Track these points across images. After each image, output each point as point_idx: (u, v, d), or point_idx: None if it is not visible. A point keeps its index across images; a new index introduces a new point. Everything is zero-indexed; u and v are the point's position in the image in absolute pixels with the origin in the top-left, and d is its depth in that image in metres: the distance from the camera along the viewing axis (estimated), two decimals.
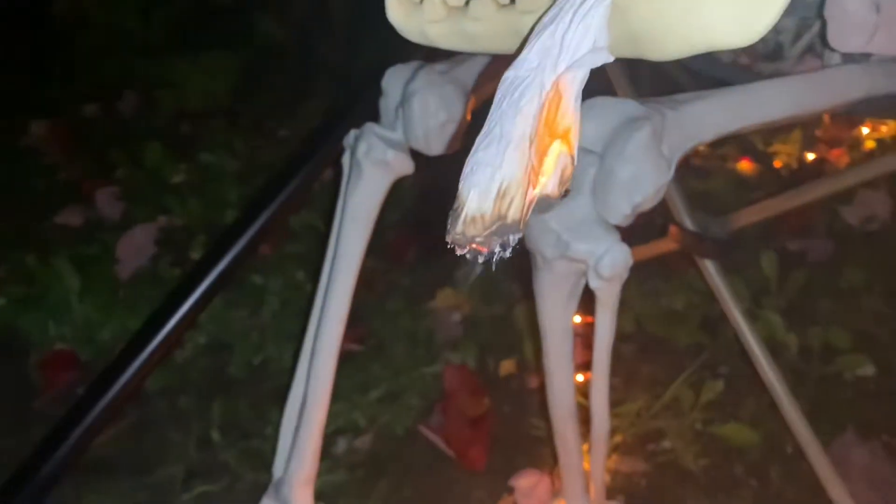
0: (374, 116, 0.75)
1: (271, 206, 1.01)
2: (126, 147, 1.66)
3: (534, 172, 0.29)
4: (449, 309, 1.22)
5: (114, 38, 2.02)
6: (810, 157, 1.58)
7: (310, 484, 0.81)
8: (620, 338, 1.09)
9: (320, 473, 0.82)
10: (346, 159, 0.74)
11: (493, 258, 0.29)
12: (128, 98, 1.92)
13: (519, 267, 1.28)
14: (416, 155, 0.73)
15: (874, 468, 0.94)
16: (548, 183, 0.30)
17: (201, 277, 0.98)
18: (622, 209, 0.52)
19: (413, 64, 0.73)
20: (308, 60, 2.02)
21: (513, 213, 0.29)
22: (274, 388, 1.13)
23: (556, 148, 0.29)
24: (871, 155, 1.57)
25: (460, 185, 0.30)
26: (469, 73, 0.73)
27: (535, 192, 0.29)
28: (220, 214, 1.44)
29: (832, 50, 0.72)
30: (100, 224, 1.45)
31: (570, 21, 0.31)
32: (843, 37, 0.63)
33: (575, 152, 0.30)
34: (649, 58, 0.33)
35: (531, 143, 0.29)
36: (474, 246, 0.29)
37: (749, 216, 0.92)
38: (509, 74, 0.31)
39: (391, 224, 1.38)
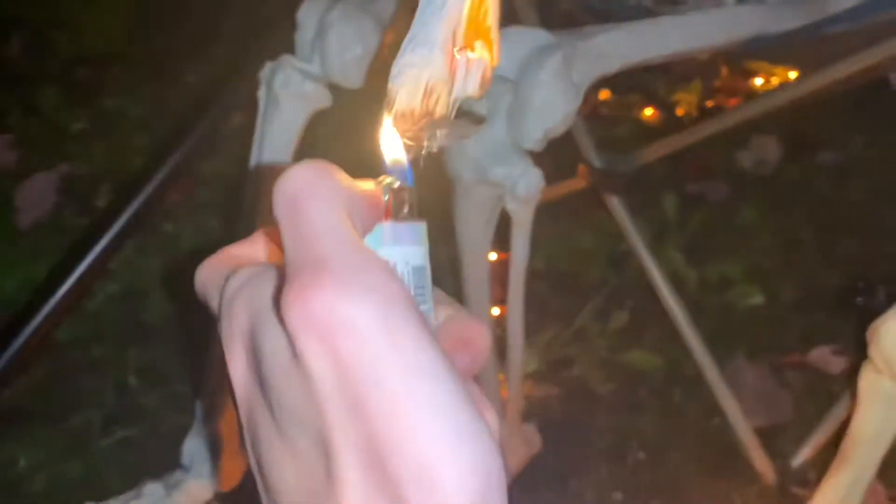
0: (276, 56, 0.74)
1: (179, 151, 1.00)
2: (17, 93, 1.57)
3: (456, 72, 0.30)
4: None
5: None
6: (710, 105, 1.67)
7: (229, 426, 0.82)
8: (532, 275, 1.13)
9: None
10: (262, 93, 0.74)
11: (420, 153, 0.31)
12: (16, 41, 1.81)
13: (434, 211, 1.31)
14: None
15: (762, 387, 1.03)
16: (468, 83, 0.32)
17: (109, 224, 0.96)
18: (535, 134, 0.55)
19: None
20: (212, 1, 1.95)
21: (440, 110, 0.30)
22: (191, 336, 1.12)
23: (478, 50, 0.31)
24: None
25: (389, 86, 0.31)
26: (385, 7, 0.74)
27: (457, 92, 0.31)
28: (125, 161, 1.39)
29: None
30: None
31: None
32: None
33: (495, 54, 0.32)
34: None
35: (454, 45, 0.31)
36: (405, 139, 0.31)
37: (651, 153, 0.97)
38: None
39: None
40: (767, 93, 1.57)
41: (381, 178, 0.27)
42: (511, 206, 0.56)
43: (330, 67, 0.70)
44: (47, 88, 1.55)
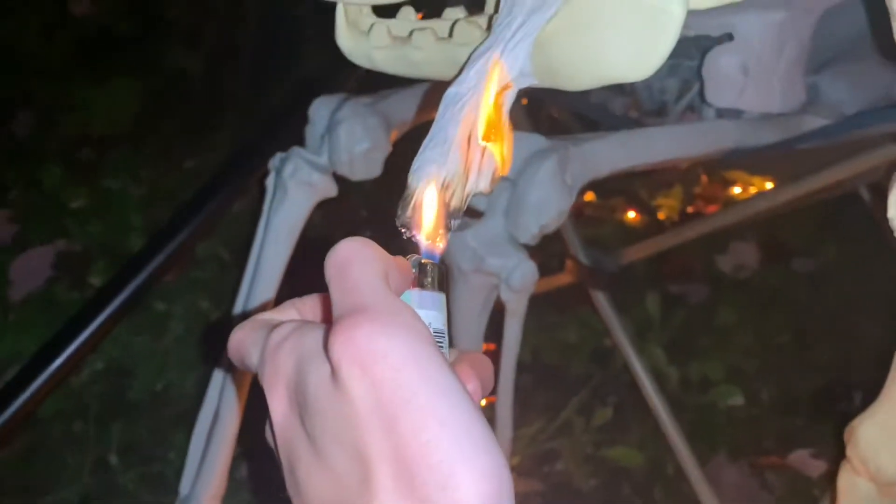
0: (284, 148, 0.79)
1: (181, 234, 1.03)
2: (20, 169, 1.61)
3: (470, 170, 0.34)
4: None
5: (13, 57, 1.96)
6: (690, 210, 1.74)
7: (216, 502, 0.81)
8: (518, 367, 1.16)
9: (224, 496, 0.83)
10: (270, 180, 0.78)
11: (439, 237, 0.34)
12: (22, 119, 1.86)
13: None
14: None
15: (742, 485, 1.04)
16: (480, 180, 0.35)
17: (104, 303, 0.97)
18: (531, 229, 0.59)
19: (339, 96, 0.78)
20: (215, 91, 2.03)
21: (454, 202, 0.34)
22: (176, 414, 1.12)
23: (490, 152, 0.35)
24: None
25: (409, 178, 0.35)
26: (392, 107, 0.79)
27: (470, 187, 0.35)
28: (121, 239, 1.42)
29: (709, 107, 0.83)
30: None
31: (503, 51, 0.37)
32: (717, 93, 0.73)
33: (507, 155, 0.35)
34: (564, 87, 0.40)
35: (469, 146, 0.35)
36: (413, 228, 0.34)
37: (636, 252, 1.01)
38: (452, 90, 0.37)
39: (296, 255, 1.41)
40: (745, 201, 1.65)
41: (410, 255, 0.30)
42: (506, 296, 0.59)
43: (337, 160, 0.74)
44: (50, 166, 1.59)
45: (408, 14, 0.46)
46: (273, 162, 0.78)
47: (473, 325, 0.64)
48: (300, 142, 0.80)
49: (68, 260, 1.36)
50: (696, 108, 0.85)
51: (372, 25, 0.44)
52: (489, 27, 0.42)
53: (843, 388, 1.15)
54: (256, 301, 0.77)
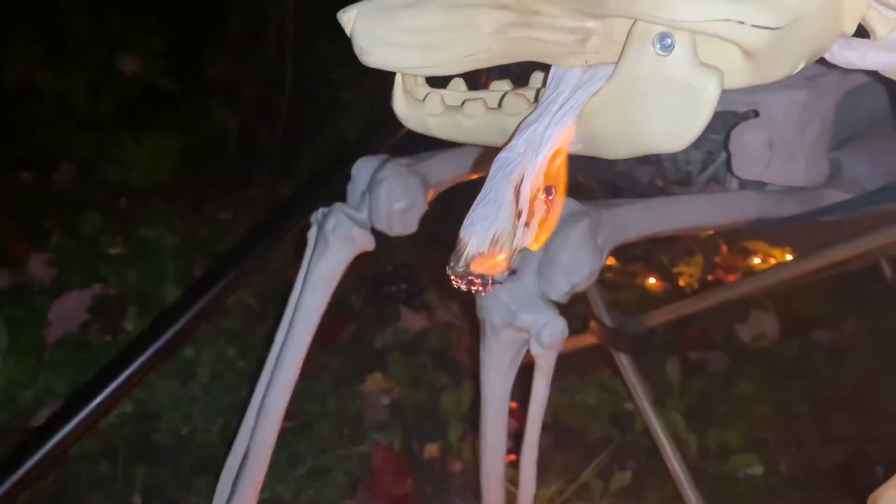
0: (320, 205, 0.83)
1: (218, 286, 1.06)
2: (62, 216, 1.67)
3: (518, 228, 0.38)
4: (378, 392, 1.27)
5: (60, 109, 2.06)
6: (710, 279, 1.76)
7: None
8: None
9: None
10: (312, 233, 0.82)
11: (484, 287, 0.37)
12: (64, 169, 1.94)
13: (446, 358, 1.36)
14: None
15: None
16: (527, 238, 0.39)
17: (139, 352, 1.00)
18: (562, 287, 0.62)
19: (380, 156, 0.83)
20: (250, 148, 2.11)
21: (503, 256, 0.37)
22: (200, 459, 1.14)
23: (538, 212, 0.39)
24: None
25: (462, 233, 0.38)
26: (430, 168, 0.83)
27: (518, 243, 0.38)
28: (155, 287, 1.46)
29: (732, 178, 0.87)
30: (28, 287, 1.44)
31: (549, 122, 0.41)
32: (744, 166, 0.77)
33: (555, 215, 0.39)
34: (604, 155, 0.43)
35: (518, 206, 0.38)
36: (470, 279, 0.37)
37: (658, 317, 1.04)
38: (503, 156, 0.40)
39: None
40: (766, 270, 1.67)
41: None
42: (535, 351, 0.62)
43: (377, 217, 0.78)
44: (90, 213, 1.65)
45: (458, 85, 0.50)
46: (316, 216, 0.82)
47: (502, 379, 0.67)
48: (334, 199, 0.84)
49: (104, 304, 1.40)
50: (719, 179, 0.89)
51: (427, 95, 0.49)
52: (536, 99, 0.46)
53: (865, 460, 1.14)
54: (294, 345, 0.80)
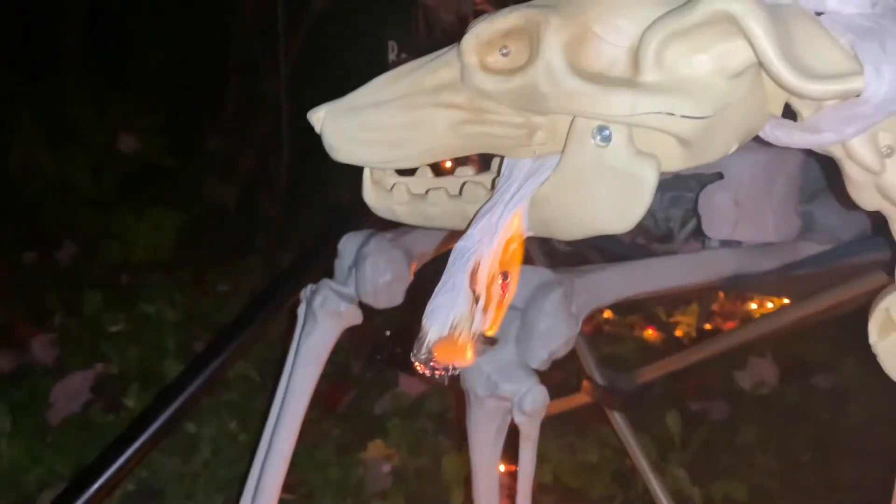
0: (315, 278, 0.85)
1: (218, 360, 1.07)
2: (64, 295, 1.70)
3: (484, 313, 0.40)
4: (379, 459, 1.28)
5: (62, 188, 2.11)
6: (708, 328, 1.77)
7: None
8: (539, 489, 1.17)
9: None
10: (301, 309, 0.84)
11: (446, 373, 0.40)
12: (67, 247, 1.98)
13: (446, 421, 1.37)
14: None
15: None
16: (485, 321, 0.41)
17: (142, 429, 1.01)
18: (541, 355, 0.64)
19: (365, 231, 0.86)
20: (248, 219, 2.15)
21: (462, 341, 0.39)
22: None
23: (494, 296, 0.41)
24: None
25: (423, 321, 0.41)
26: (412, 241, 0.86)
27: (475, 327, 0.40)
28: (156, 362, 1.48)
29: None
30: (31, 369, 1.46)
31: (503, 211, 0.44)
32: (713, 226, 0.79)
33: (509, 297, 0.41)
34: (558, 237, 0.46)
35: (475, 293, 0.41)
36: (433, 365, 0.39)
37: (653, 372, 1.05)
38: (460, 244, 0.43)
39: (324, 375, 1.45)
40: (760, 318, 1.68)
41: None
42: (519, 419, 0.64)
43: (363, 291, 0.81)
44: (91, 291, 1.68)
45: (425, 172, 0.53)
46: (304, 293, 0.84)
47: (490, 448, 0.68)
48: (328, 269, 0.86)
49: (106, 383, 1.42)
50: (700, 233, 0.91)
51: (394, 185, 0.52)
52: (493, 187, 0.49)
53: None
54: (287, 419, 0.81)
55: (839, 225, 0.91)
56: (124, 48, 2.27)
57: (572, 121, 0.43)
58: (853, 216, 0.92)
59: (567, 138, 0.43)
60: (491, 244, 0.42)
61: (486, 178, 0.49)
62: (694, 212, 0.90)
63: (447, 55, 0.47)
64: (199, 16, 2.16)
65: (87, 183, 2.15)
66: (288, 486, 1.23)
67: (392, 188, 0.52)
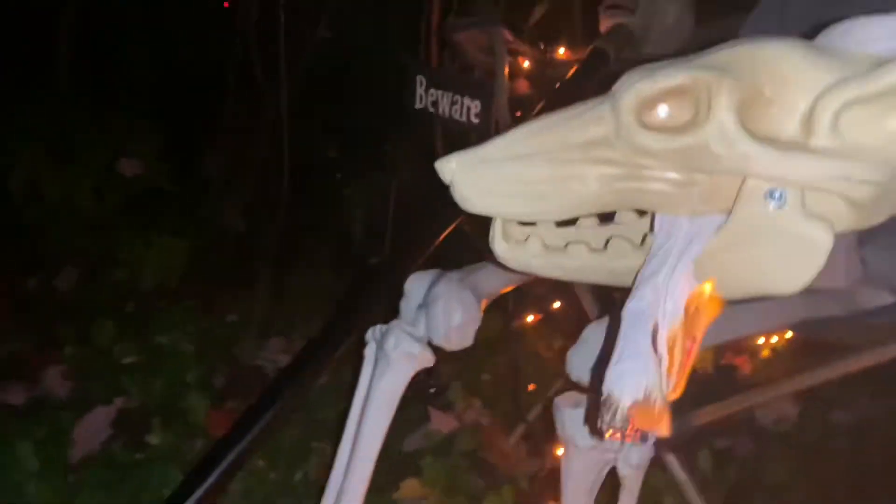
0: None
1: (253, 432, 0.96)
2: (73, 324, 1.65)
3: (668, 378, 0.39)
4: (414, 500, 1.25)
5: (65, 213, 2.06)
6: (723, 363, 1.78)
7: None
8: None
9: None
10: (369, 351, 0.83)
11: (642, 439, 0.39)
12: (70, 273, 1.93)
13: (479, 460, 1.35)
14: None
15: None
16: (669, 384, 0.40)
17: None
18: (439, 331, 0.72)
19: (432, 272, 0.85)
20: (251, 245, 2.12)
21: (657, 411, 0.39)
22: None
23: (679, 358, 0.40)
24: (768, 361, 1.78)
25: (609, 388, 0.40)
26: (480, 280, 0.85)
27: (669, 394, 0.40)
28: (179, 397, 1.44)
29: None
30: (46, 403, 1.42)
31: (672, 271, 0.44)
32: None
33: (694, 355, 0.41)
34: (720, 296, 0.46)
35: (660, 357, 0.40)
36: (621, 432, 0.39)
37: (708, 414, 1.04)
38: (633, 306, 0.42)
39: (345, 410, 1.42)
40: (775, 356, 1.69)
41: None
42: (624, 472, 0.63)
43: (436, 333, 0.80)
44: (103, 321, 1.63)
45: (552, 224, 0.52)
46: (373, 333, 0.83)
47: (584, 500, 0.67)
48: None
49: (127, 418, 1.38)
50: None
51: (528, 237, 0.51)
52: (643, 242, 0.48)
53: None
54: (361, 464, 0.79)
55: (890, 270, 0.93)
56: (124, 70, 2.24)
57: (743, 182, 0.43)
58: None
59: (737, 199, 0.43)
60: (665, 305, 0.42)
61: (635, 234, 0.49)
62: None
63: (597, 109, 0.46)
64: (199, 37, 2.14)
65: (89, 207, 2.11)
66: None
67: (526, 240, 0.51)
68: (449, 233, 1.05)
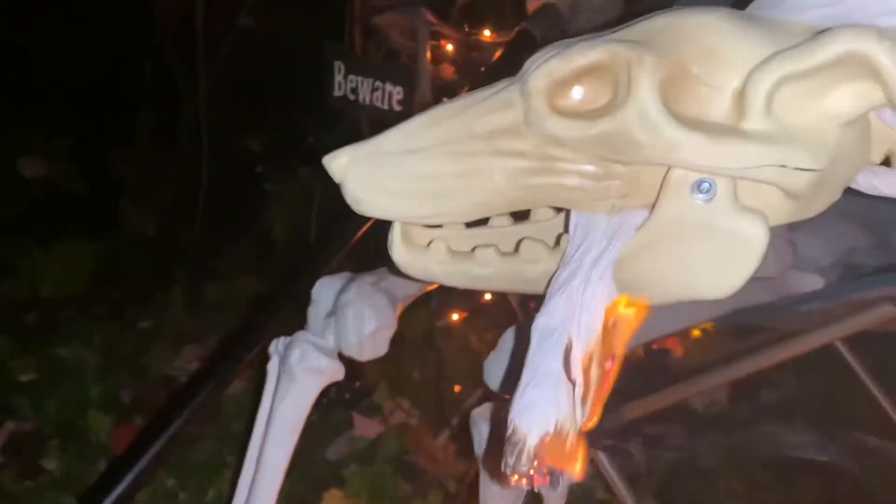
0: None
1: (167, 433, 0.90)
2: None
3: (583, 406, 0.33)
4: None
5: None
6: (654, 347, 1.76)
7: None
8: None
9: None
10: (272, 366, 0.75)
11: (554, 483, 0.33)
12: None
13: (405, 464, 1.28)
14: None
15: None
16: (585, 412, 0.34)
17: None
18: (350, 340, 0.66)
19: (343, 275, 0.78)
20: (166, 249, 2.00)
21: (569, 447, 0.33)
22: None
23: (595, 381, 0.34)
24: (698, 341, 1.78)
25: (513, 420, 0.34)
26: (396, 283, 0.78)
27: (584, 424, 0.34)
28: (78, 415, 1.33)
29: None
30: None
31: (587, 278, 0.38)
32: None
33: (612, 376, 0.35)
34: (644, 301, 0.40)
35: (574, 381, 0.34)
36: (534, 475, 0.32)
37: (639, 408, 1.00)
38: (542, 322, 0.36)
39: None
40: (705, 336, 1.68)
41: None
42: (545, 493, 0.57)
43: (346, 343, 0.73)
44: None
45: (460, 227, 0.46)
46: (276, 346, 0.75)
47: None
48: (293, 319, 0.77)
49: (19, 443, 1.26)
50: None
51: (431, 242, 0.44)
52: (557, 244, 0.42)
53: None
54: (262, 494, 0.72)
55: (819, 253, 0.90)
56: (27, 64, 2.07)
57: (667, 172, 0.37)
58: (832, 243, 0.91)
59: (660, 192, 0.38)
60: (581, 320, 0.36)
61: (549, 234, 0.43)
62: None
63: (503, 94, 0.40)
64: (111, 30, 1.99)
65: None
66: None
67: (429, 245, 0.44)
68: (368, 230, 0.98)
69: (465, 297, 1.36)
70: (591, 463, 1.04)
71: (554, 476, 0.32)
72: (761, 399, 1.59)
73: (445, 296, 1.30)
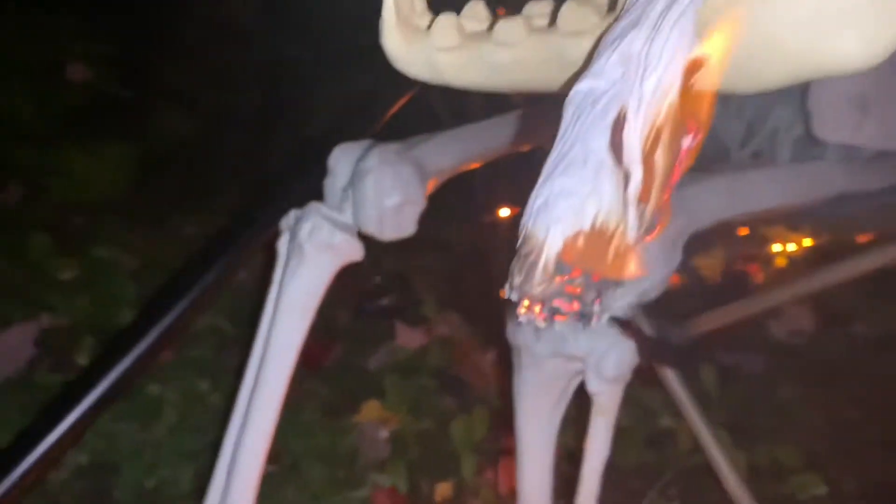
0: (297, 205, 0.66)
1: (177, 307, 0.88)
2: (7, 239, 1.48)
3: (640, 202, 0.21)
4: (375, 423, 1.10)
5: (4, 124, 1.87)
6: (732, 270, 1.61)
7: None
8: (564, 456, 1.00)
9: None
10: (282, 243, 0.65)
11: (586, 317, 0.21)
12: (12, 189, 1.75)
13: (451, 378, 1.19)
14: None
15: None
16: (645, 212, 0.22)
17: (89, 387, 0.82)
18: (627, 298, 0.45)
19: (363, 142, 0.66)
20: (213, 154, 1.93)
21: (616, 248, 0.20)
22: None
23: (660, 169, 0.22)
24: (783, 270, 1.61)
25: (528, 225, 0.21)
26: (426, 153, 0.66)
27: (633, 226, 0.21)
28: (112, 315, 1.28)
29: (783, 151, 0.70)
30: None
31: (656, 29, 0.24)
32: (829, 127, 0.60)
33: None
34: (736, 87, 0.27)
35: (627, 168, 0.21)
36: (556, 302, 0.20)
37: (708, 322, 0.87)
38: (583, 86, 0.23)
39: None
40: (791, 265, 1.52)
41: None
42: (595, 387, 0.45)
43: (364, 217, 0.61)
44: (40, 235, 1.47)
45: (477, 11, 0.33)
46: (287, 221, 0.65)
47: (545, 424, 0.50)
48: (313, 198, 0.67)
49: (53, 337, 1.22)
50: (764, 154, 0.73)
51: (434, 20, 0.32)
52: (611, 8, 0.29)
53: None
54: (270, 379, 0.62)
55: None
56: None
57: None
58: None
59: None
60: (646, 83, 0.23)
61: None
62: (759, 126, 0.72)
63: None
64: None
65: (30, 116, 1.91)
66: (269, 456, 1.05)
67: (431, 26, 0.32)
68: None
69: (516, 185, 1.23)
70: (658, 384, 0.92)
71: (586, 302, 0.20)
72: (852, 331, 1.42)
73: (491, 181, 1.17)
